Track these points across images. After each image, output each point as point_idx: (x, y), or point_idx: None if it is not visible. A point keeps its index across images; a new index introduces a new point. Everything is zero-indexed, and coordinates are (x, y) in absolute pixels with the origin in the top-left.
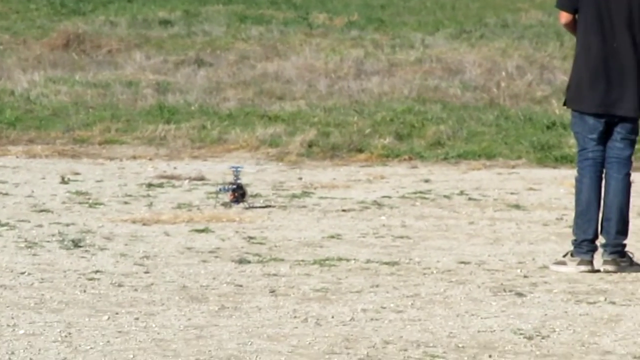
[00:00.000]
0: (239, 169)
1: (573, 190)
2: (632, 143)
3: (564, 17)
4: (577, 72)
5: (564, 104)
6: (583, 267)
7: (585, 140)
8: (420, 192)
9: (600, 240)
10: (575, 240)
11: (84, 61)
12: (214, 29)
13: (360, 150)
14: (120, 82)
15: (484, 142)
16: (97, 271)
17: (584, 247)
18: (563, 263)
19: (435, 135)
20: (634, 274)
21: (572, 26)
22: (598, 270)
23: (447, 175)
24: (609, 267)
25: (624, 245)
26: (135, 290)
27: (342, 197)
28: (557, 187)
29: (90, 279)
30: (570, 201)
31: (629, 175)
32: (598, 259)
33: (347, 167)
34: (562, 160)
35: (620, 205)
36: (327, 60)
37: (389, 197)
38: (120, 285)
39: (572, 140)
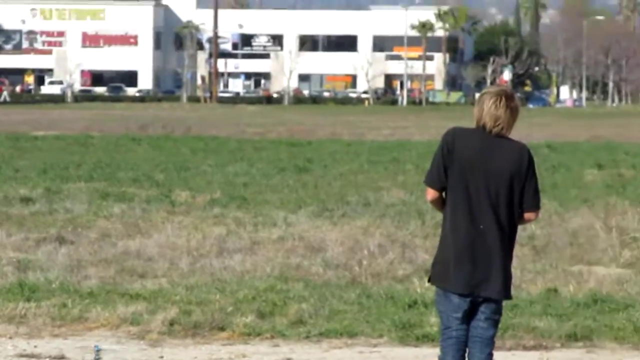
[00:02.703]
0: (99, 349)
1: None
2: (496, 323)
3: (431, 194)
4: (444, 251)
5: (429, 281)
6: None
7: (449, 319)
8: None
9: None
10: None
11: None
12: (75, 207)
13: (222, 329)
14: None
15: (346, 321)
16: None
17: None
18: None
19: (297, 313)
20: None
21: (439, 203)
22: None
23: (309, 353)
24: None
25: None
26: None
27: None
28: None
29: None
30: None
31: (491, 355)
32: None
33: (208, 346)
34: (424, 339)
35: None
36: (189, 237)
37: None
38: None
39: (434, 319)
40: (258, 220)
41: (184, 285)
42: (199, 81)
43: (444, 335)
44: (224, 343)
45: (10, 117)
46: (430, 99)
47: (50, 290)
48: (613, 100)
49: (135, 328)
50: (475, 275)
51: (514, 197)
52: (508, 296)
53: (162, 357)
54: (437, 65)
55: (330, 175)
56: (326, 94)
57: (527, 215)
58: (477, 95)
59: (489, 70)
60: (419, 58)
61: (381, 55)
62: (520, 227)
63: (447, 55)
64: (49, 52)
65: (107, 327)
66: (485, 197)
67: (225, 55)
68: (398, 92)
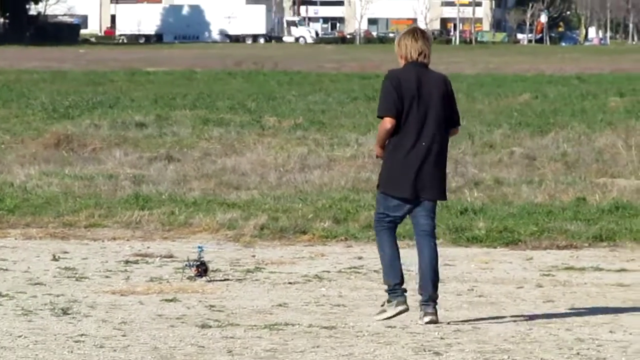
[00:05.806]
0: (202, 249)
1: (483, 266)
2: (434, 217)
3: (389, 122)
4: (392, 163)
5: (378, 188)
6: (400, 307)
7: (388, 210)
8: (354, 268)
9: (422, 296)
10: (389, 287)
11: (72, 158)
12: (181, 130)
13: (304, 232)
14: (102, 175)
15: (407, 225)
16: (82, 335)
17: (397, 290)
18: (383, 311)
19: (367, 219)
20: (534, 335)
21: (391, 131)
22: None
23: (376, 253)
24: (433, 317)
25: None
26: (114, 350)
27: (288, 271)
28: (469, 264)
29: (77, 342)
30: (479, 275)
31: (435, 243)
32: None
33: (293, 246)
34: (473, 241)
35: (433, 268)
36: (277, 156)
37: (328, 271)
38: (101, 347)
39: (482, 224)
40: (334, 141)
41: (272, 196)
42: (285, 25)
43: (379, 219)
44: (305, 244)
45: (127, 55)
46: (479, 39)
47: (160, 200)
48: (633, 39)
49: (232, 232)
50: (418, 182)
51: (446, 116)
52: (444, 198)
53: (254, 256)
54: (484, 10)
55: None
56: (391, 35)
57: (452, 130)
58: (518, 35)
59: (528, 14)
60: (469, 4)
61: (437, 1)
62: (553, 146)
63: (493, 2)
64: (159, 1)
65: (208, 231)
66: (431, 117)
67: (307, 2)
68: (451, 33)
